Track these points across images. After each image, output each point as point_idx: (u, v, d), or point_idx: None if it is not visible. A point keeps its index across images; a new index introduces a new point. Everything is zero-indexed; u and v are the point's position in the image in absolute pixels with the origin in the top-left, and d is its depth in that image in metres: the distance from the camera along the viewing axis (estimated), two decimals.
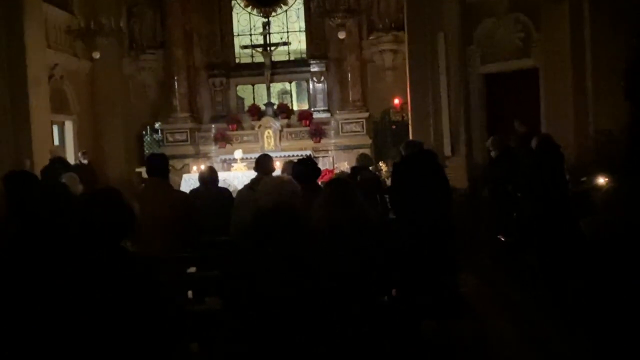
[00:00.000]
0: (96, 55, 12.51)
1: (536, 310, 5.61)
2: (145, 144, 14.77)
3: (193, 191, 6.35)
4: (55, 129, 12.15)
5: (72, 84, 12.73)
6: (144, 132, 14.77)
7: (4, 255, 3.24)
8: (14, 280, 2.98)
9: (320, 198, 4.07)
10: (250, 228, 3.46)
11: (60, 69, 12.21)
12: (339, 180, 4.46)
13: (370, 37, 14.05)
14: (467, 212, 8.57)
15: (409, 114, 11.45)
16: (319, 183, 6.16)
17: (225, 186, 9.50)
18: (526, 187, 6.93)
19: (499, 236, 7.65)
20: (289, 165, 6.99)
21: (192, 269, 5.00)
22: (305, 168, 5.17)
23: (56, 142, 12.03)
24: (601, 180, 6.70)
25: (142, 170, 11.36)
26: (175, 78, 14.45)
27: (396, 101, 13.39)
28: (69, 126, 12.84)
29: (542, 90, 9.41)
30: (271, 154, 12.86)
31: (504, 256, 7.40)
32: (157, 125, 14.76)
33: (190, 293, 4.73)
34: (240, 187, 9.75)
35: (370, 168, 8.83)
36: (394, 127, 13.73)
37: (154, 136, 14.84)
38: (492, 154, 8.37)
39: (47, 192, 3.69)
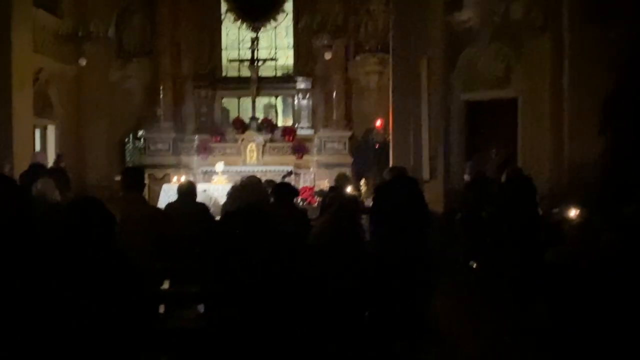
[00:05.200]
0: (82, 62, 12.54)
1: (503, 334, 5.73)
2: (127, 151, 14.78)
3: (169, 205, 6.38)
4: (37, 133, 12.13)
5: (57, 88, 12.73)
6: (126, 140, 14.77)
7: None
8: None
9: (326, 217, 4.51)
10: (220, 230, 3.59)
11: (46, 73, 12.21)
12: (346, 206, 4.96)
13: (356, 58, 14.21)
14: (442, 236, 8.69)
15: (391, 135, 11.58)
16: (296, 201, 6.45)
17: (206, 198, 9.58)
18: (496, 218, 7.08)
19: (470, 262, 7.78)
20: (269, 184, 7.13)
21: (165, 284, 5.06)
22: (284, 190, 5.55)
23: (37, 146, 12.01)
24: (572, 212, 6.85)
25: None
26: (161, 87, 14.49)
27: (378, 123, 13.54)
28: (51, 130, 12.83)
29: (520, 120, 9.61)
30: (253, 168, 13.15)
31: (475, 282, 7.52)
32: (140, 133, 14.78)
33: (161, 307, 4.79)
34: (220, 199, 9.85)
35: (349, 188, 8.94)
36: (377, 146, 13.86)
37: (137, 144, 14.86)
38: (466, 177, 8.55)
39: (17, 199, 3.80)
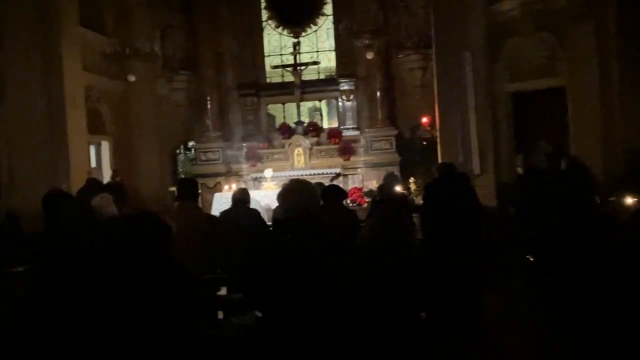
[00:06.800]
0: (131, 78, 12.86)
1: (555, 332, 5.62)
2: (179, 162, 15.11)
3: (224, 212, 6.53)
4: (92, 149, 12.51)
5: (107, 104, 13.09)
6: (177, 151, 15.11)
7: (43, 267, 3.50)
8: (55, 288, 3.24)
9: (375, 217, 4.55)
10: (270, 238, 3.64)
11: (97, 91, 12.57)
12: (394, 205, 5.01)
13: (399, 56, 14.18)
14: (495, 231, 8.58)
15: (438, 132, 11.51)
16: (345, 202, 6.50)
17: (257, 204, 9.73)
18: (554, 209, 6.95)
19: (527, 256, 7.65)
20: (317, 186, 7.21)
21: (223, 290, 5.17)
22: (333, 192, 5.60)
23: (93, 161, 12.38)
24: (629, 201, 6.69)
25: (175, 189, 11.62)
26: (208, 98, 14.79)
27: (424, 120, 13.45)
28: (105, 146, 13.20)
29: (570, 109, 9.42)
30: (301, 172, 13.26)
31: (531, 276, 7.39)
32: (190, 144, 15.10)
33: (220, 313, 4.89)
34: (271, 204, 9.96)
35: (398, 187, 8.91)
36: (424, 143, 13.78)
37: (187, 154, 15.18)
38: (519, 169, 8.42)
39: (75, 215, 3.97)
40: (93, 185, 9.32)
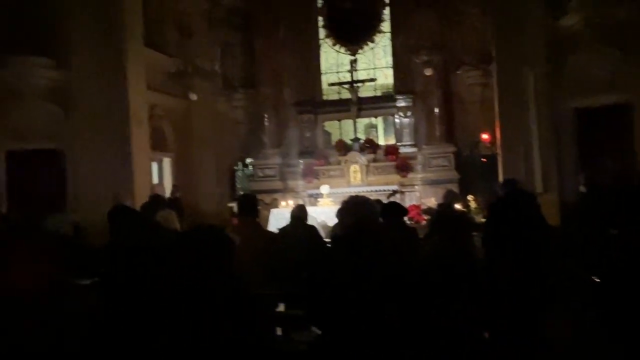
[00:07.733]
0: (193, 97, 13.15)
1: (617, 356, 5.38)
2: (237, 178, 15.32)
3: (282, 229, 6.57)
4: (154, 165, 12.82)
5: (170, 122, 13.41)
6: (235, 168, 15.33)
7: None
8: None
9: (437, 235, 4.48)
10: (330, 252, 3.63)
11: (160, 109, 12.89)
12: (456, 223, 4.92)
13: (458, 71, 14.04)
14: (559, 250, 8.33)
15: (499, 149, 11.30)
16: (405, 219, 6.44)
17: (313, 220, 9.75)
18: (621, 228, 6.69)
19: (592, 277, 7.39)
20: (377, 203, 7.18)
21: (281, 306, 5.19)
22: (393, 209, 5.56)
23: (155, 178, 12.67)
24: None
25: (234, 205, 11.78)
26: (265, 115, 14.99)
27: (485, 136, 13.24)
28: (167, 163, 13.51)
29: (637, 125, 9.11)
30: (358, 189, 13.23)
31: (596, 298, 7.13)
32: (248, 160, 15.31)
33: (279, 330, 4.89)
34: (328, 221, 9.95)
35: (458, 205, 8.79)
36: (484, 160, 13.56)
37: (245, 171, 15.39)
38: (581, 188, 8.18)
39: (140, 229, 4.06)
40: (156, 200, 9.54)
